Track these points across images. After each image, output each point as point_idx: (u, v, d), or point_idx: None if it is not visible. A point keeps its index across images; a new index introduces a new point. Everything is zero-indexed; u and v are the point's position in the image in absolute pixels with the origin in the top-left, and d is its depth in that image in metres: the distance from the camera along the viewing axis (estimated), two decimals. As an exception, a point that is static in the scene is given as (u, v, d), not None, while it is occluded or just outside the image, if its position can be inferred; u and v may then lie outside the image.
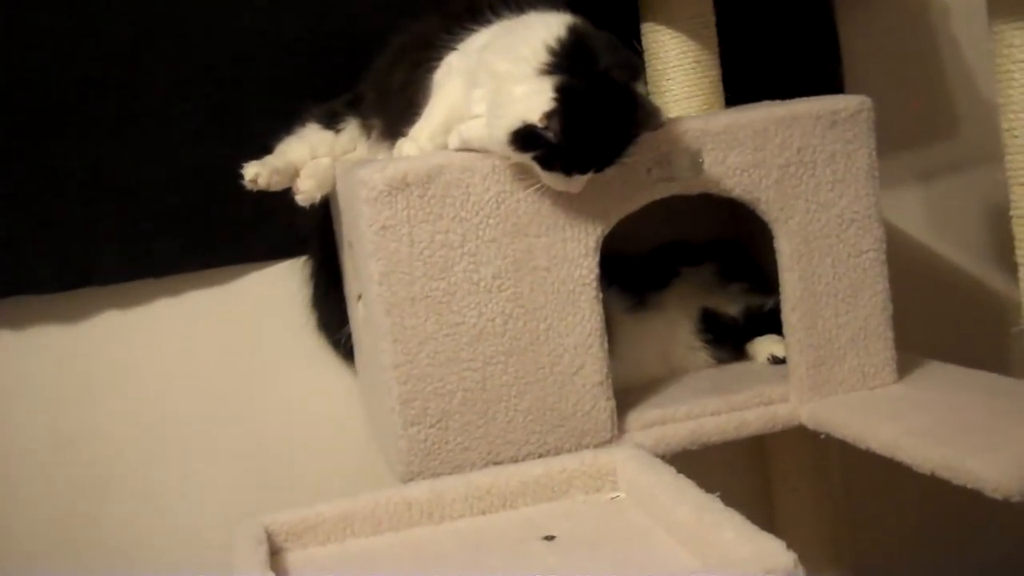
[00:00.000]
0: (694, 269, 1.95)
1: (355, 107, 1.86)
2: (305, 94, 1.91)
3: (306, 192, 1.79)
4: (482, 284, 1.59)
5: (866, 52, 2.17)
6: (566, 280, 1.61)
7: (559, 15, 1.56)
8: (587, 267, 1.62)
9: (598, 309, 1.63)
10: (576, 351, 1.62)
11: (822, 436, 1.67)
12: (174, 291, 1.97)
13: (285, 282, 2.01)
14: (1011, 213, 1.46)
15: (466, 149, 1.57)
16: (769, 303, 1.81)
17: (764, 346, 1.83)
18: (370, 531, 1.39)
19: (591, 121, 1.47)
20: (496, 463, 1.59)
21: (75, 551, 1.94)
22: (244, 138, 1.89)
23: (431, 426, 1.59)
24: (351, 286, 1.86)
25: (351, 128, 1.86)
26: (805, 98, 1.72)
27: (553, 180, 1.52)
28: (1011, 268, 2.25)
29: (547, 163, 1.49)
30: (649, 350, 1.84)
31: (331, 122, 1.86)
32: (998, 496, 1.33)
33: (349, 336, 1.94)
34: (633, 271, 1.87)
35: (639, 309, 1.85)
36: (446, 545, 1.35)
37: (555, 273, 1.61)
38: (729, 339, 1.87)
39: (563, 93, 1.46)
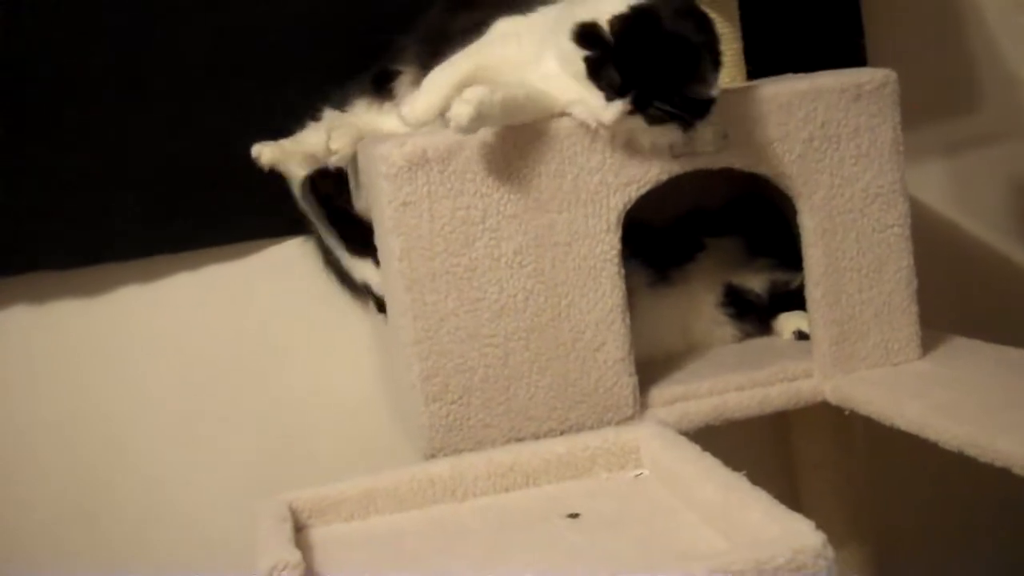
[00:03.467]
0: (718, 241, 1.92)
1: (365, 87, 1.85)
2: (320, 69, 1.90)
3: (340, 149, 1.75)
4: (503, 260, 1.58)
5: (889, 25, 2.14)
6: (587, 256, 1.60)
7: None
8: (608, 242, 1.61)
9: (620, 285, 1.62)
10: (598, 327, 1.61)
11: (846, 412, 1.65)
12: (191, 266, 1.95)
13: (302, 257, 1.99)
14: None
15: (478, 123, 1.50)
16: (796, 280, 1.79)
17: (790, 321, 1.82)
18: (393, 508, 1.38)
19: (650, 45, 1.48)
20: (518, 439, 1.58)
21: (93, 524, 1.94)
22: (259, 114, 1.89)
23: (452, 402, 1.58)
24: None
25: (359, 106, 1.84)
26: (829, 71, 1.71)
27: (591, 99, 1.50)
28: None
29: (594, 69, 1.49)
30: (671, 325, 1.83)
31: (344, 104, 1.85)
32: (1026, 474, 1.32)
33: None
34: (656, 243, 1.85)
35: (661, 283, 1.83)
36: (469, 522, 1.35)
37: (576, 249, 1.60)
38: (753, 313, 1.85)
39: (636, 9, 1.47)
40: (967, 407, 1.48)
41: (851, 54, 2.10)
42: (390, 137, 1.63)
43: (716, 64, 1.53)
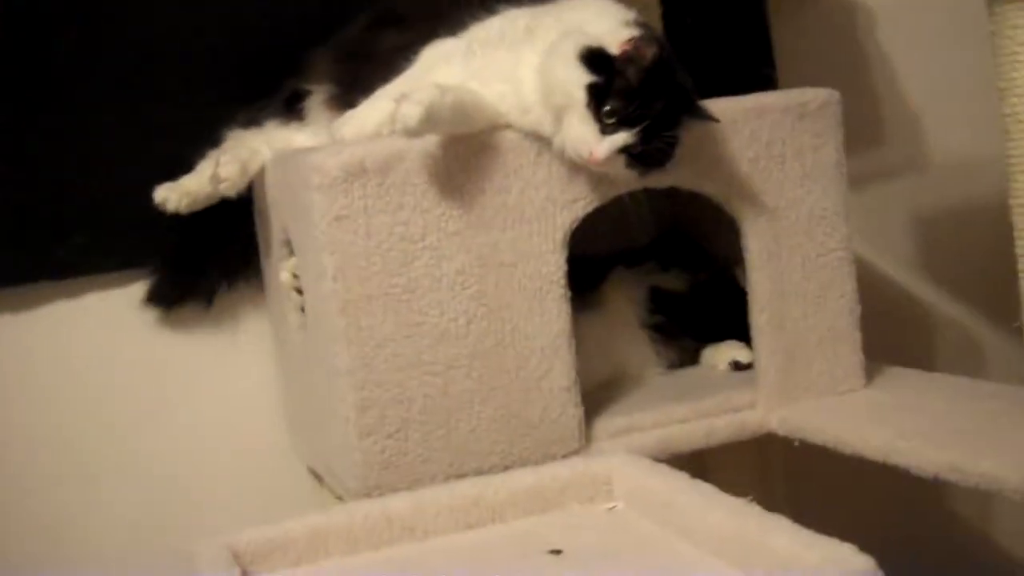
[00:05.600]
0: (633, 267, 1.85)
1: (277, 107, 1.75)
2: (224, 91, 1.79)
3: (229, 177, 1.64)
4: (444, 281, 1.46)
5: (798, 57, 2.13)
6: (533, 277, 1.50)
7: None
8: (555, 263, 1.51)
9: (566, 309, 1.52)
10: (543, 354, 1.51)
11: (796, 443, 1.58)
12: (74, 294, 1.78)
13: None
14: (1011, 202, 1.40)
15: (427, 125, 1.38)
16: (708, 273, 1.79)
17: (724, 352, 1.75)
18: (346, 550, 1.23)
19: (663, 77, 1.40)
20: (458, 476, 1.45)
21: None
22: (152, 136, 1.77)
23: (389, 436, 1.44)
24: (277, 294, 1.71)
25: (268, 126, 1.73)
26: (771, 91, 1.66)
27: (583, 133, 1.39)
28: (931, 275, 2.25)
29: (600, 97, 1.38)
30: (593, 349, 1.71)
31: (252, 124, 1.74)
32: (1018, 498, 1.26)
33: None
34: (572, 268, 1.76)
35: (580, 306, 1.74)
36: (436, 563, 1.21)
37: (521, 269, 1.50)
38: (679, 317, 1.79)
39: (656, 40, 1.41)
40: (935, 433, 1.43)
41: (762, 84, 2.07)
42: (322, 146, 1.50)
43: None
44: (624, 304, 1.79)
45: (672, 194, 1.58)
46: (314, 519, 1.23)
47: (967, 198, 2.26)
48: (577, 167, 1.49)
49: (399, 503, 1.26)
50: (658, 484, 1.23)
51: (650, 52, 1.39)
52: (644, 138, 1.39)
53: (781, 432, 1.60)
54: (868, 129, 2.21)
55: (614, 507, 1.30)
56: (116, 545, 1.79)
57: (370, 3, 1.71)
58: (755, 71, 2.10)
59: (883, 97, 2.22)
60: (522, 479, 1.32)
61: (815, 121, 1.62)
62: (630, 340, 1.78)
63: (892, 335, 2.20)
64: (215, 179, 1.64)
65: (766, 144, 1.60)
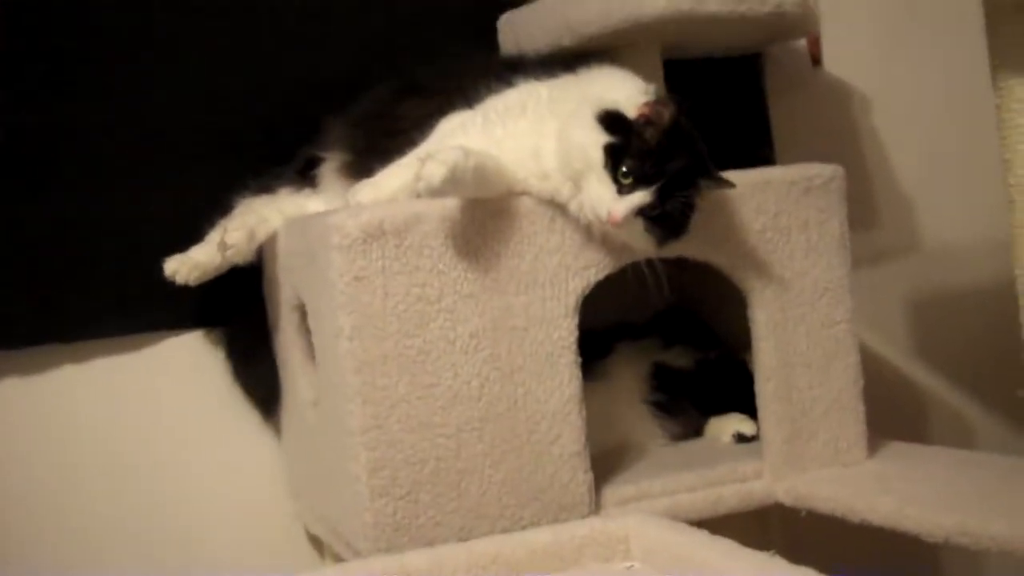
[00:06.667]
0: (636, 341, 1.87)
1: (290, 174, 1.77)
2: (238, 158, 1.81)
3: (236, 246, 1.66)
4: (458, 343, 1.48)
5: (795, 139, 2.18)
6: (544, 342, 1.52)
7: None
8: (566, 328, 1.53)
9: (577, 374, 1.54)
10: (554, 418, 1.52)
11: (803, 514, 1.59)
12: (81, 358, 1.78)
13: (202, 351, 1.84)
14: (1016, 272, 1.44)
15: (450, 186, 1.41)
16: (717, 352, 1.81)
17: (728, 425, 1.76)
18: (364, 603, 1.23)
19: (680, 137, 1.44)
20: (467, 539, 1.45)
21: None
22: (158, 200, 1.79)
23: (400, 498, 1.45)
24: (288, 354, 1.72)
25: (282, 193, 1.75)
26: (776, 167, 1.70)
27: (601, 194, 1.42)
28: (922, 354, 2.28)
29: (617, 158, 1.41)
30: (595, 420, 1.73)
31: (263, 191, 1.76)
32: (1031, 559, 1.28)
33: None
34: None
35: (584, 378, 1.75)
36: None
37: (534, 334, 1.51)
38: (684, 395, 1.80)
39: (676, 103, 1.44)
40: (942, 500, 1.44)
41: (760, 165, 2.11)
42: (341, 208, 1.52)
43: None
44: (629, 378, 1.80)
45: (676, 269, 1.60)
46: (331, 571, 1.23)
47: (958, 280, 2.30)
48: (590, 234, 1.52)
49: (417, 559, 1.27)
50: (678, 540, 1.24)
51: (667, 113, 1.42)
52: (661, 197, 1.41)
53: (788, 502, 1.61)
54: (862, 210, 2.25)
55: (631, 566, 1.31)
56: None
57: (387, 74, 1.74)
58: (753, 152, 2.14)
59: (877, 179, 2.27)
60: (539, 537, 1.32)
61: (820, 196, 1.66)
62: (633, 413, 1.79)
63: (885, 413, 2.23)
64: (222, 246, 1.66)
65: (773, 216, 1.63)
